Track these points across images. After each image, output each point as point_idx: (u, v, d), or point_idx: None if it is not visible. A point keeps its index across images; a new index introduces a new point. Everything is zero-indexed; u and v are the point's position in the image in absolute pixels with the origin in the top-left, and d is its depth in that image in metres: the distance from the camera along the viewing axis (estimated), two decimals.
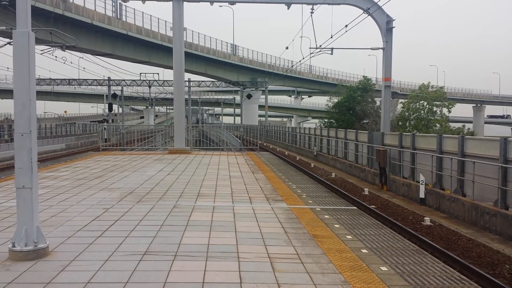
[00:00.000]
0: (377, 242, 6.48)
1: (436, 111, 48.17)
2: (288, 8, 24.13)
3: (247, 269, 5.10)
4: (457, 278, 5.11)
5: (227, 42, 64.08)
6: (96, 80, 57.33)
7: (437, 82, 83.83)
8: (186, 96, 52.06)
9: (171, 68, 27.24)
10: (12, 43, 5.58)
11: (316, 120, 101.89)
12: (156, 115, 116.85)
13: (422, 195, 15.60)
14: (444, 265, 5.68)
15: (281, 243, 6.20)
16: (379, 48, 27.54)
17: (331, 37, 25.51)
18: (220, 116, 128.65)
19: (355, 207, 9.71)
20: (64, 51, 28.69)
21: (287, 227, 7.07)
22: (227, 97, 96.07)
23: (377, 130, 34.85)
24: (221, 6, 53.08)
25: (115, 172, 13.54)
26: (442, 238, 11.28)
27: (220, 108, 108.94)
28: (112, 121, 60.51)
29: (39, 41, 24.48)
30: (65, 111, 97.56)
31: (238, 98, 77.31)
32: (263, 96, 67.42)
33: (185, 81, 42.49)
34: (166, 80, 56.80)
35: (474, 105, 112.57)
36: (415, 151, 17.49)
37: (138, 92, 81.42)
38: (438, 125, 46.83)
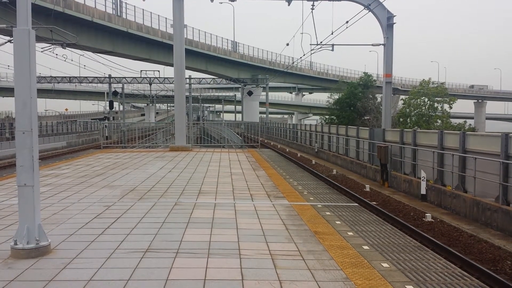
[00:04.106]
0: (379, 238, 6.49)
1: (437, 107, 48.06)
2: (289, 5, 24.10)
3: (248, 266, 5.11)
4: (459, 274, 5.11)
5: (227, 39, 64.15)
6: (96, 77, 57.34)
7: (438, 78, 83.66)
8: (187, 93, 52.05)
9: (171, 65, 27.23)
10: (12, 41, 5.58)
11: (317, 117, 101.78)
12: (157, 113, 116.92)
13: (423, 191, 15.60)
14: (445, 261, 5.68)
15: (283, 240, 6.20)
16: (380, 44, 27.45)
17: (332, 34, 25.49)
18: (221, 113, 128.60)
19: (356, 204, 9.72)
20: (65, 48, 28.68)
21: (288, 224, 7.07)
22: (227, 94, 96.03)
23: (378, 126, 34.80)
24: (221, 3, 53.20)
25: (117, 170, 13.55)
26: (443, 234, 11.28)
27: (221, 105, 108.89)
28: (113, 119, 60.51)
29: (39, 39, 24.50)
30: (66, 109, 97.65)
31: (238, 95, 77.26)
32: (264, 93, 67.37)
33: (186, 78, 42.46)
34: (166, 78, 56.77)
35: (476, 101, 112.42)
36: (416, 147, 17.47)
37: (139, 90, 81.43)
38: (439, 121, 46.74)
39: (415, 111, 47.47)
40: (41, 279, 4.70)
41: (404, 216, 13.32)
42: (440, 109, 48.30)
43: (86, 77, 57.44)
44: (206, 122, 66.84)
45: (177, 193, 9.71)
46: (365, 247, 5.93)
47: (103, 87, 70.34)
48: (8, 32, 28.53)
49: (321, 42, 28.62)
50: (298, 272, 4.93)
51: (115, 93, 56.32)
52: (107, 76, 55.67)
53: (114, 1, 43.42)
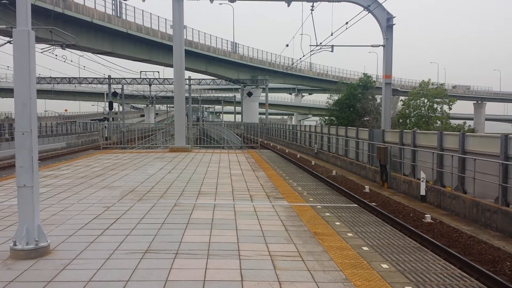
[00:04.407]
0: (378, 239, 6.49)
1: (436, 108, 48.05)
2: (288, 6, 24.07)
3: (248, 267, 5.10)
4: (458, 275, 5.11)
5: (227, 40, 64.24)
6: (96, 78, 57.32)
7: (438, 79, 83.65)
8: (187, 94, 52.03)
9: (171, 66, 27.24)
10: (12, 41, 5.58)
11: (317, 118, 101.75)
12: (157, 113, 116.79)
13: (423, 192, 15.60)
14: (445, 262, 5.68)
15: (282, 240, 6.20)
16: (380, 45, 27.45)
17: (331, 35, 25.50)
18: (221, 114, 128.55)
19: (356, 205, 9.71)
20: (64, 49, 28.65)
21: (288, 225, 7.07)
22: (227, 95, 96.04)
23: (378, 127, 34.80)
24: (221, 3, 53.23)
25: (116, 171, 13.55)
26: (443, 235, 11.28)
27: (221, 106, 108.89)
28: (113, 120, 60.50)
29: (39, 40, 24.48)
30: (66, 110, 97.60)
31: (238, 96, 77.28)
32: (264, 94, 67.41)
33: (186, 79, 42.44)
34: (166, 78, 56.77)
35: (475, 102, 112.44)
36: (415, 148, 17.48)
37: (139, 90, 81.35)
38: (438, 122, 46.71)
39: (415, 112, 47.45)
40: (40, 280, 4.70)
41: (403, 217, 13.32)
42: (439, 110, 48.30)
43: (86, 78, 57.43)
44: (205, 123, 66.79)
45: (176, 194, 9.71)
46: (365, 248, 5.93)
47: (103, 88, 70.36)
48: (7, 33, 28.51)
49: (320, 43, 28.63)
50: (297, 273, 4.93)
51: (114, 94, 56.32)
52: (107, 77, 55.67)
53: (113, 2, 43.44)
